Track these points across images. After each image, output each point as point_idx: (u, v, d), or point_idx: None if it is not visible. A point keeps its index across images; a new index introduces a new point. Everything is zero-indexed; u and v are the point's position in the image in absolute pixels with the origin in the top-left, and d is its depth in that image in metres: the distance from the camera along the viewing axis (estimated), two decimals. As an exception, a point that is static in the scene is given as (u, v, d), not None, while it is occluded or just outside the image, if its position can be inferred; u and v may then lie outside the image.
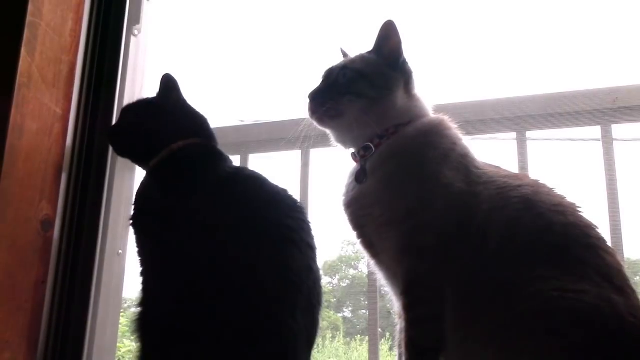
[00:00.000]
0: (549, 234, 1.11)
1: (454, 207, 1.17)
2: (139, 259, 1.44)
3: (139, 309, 1.36)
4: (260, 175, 1.48)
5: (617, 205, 1.65)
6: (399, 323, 1.30)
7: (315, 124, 1.35)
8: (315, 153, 2.03)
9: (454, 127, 1.32)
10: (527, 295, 1.05)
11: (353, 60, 1.37)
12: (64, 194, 1.80)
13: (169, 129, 1.56)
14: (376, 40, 1.36)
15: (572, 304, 1.01)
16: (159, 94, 1.64)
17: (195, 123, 1.62)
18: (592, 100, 1.74)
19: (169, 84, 1.62)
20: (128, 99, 1.95)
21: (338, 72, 1.33)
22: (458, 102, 1.81)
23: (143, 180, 1.57)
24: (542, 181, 1.26)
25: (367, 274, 1.81)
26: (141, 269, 1.43)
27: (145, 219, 1.47)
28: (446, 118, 1.34)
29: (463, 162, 1.24)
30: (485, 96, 1.88)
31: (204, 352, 1.22)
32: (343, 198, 1.32)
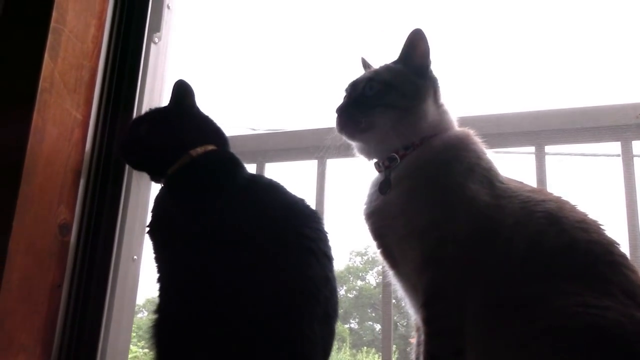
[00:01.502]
0: (572, 250, 1.11)
1: (478, 220, 1.16)
2: (156, 265, 1.44)
3: (155, 316, 1.36)
4: (278, 184, 1.48)
5: (637, 221, 1.63)
6: (416, 336, 1.29)
7: (344, 138, 1.33)
8: (332, 163, 2.04)
9: (479, 142, 1.32)
10: (549, 311, 1.04)
11: (378, 72, 1.36)
12: (82, 198, 1.81)
13: (186, 136, 1.55)
14: (403, 49, 1.36)
15: (596, 320, 1.00)
16: (172, 100, 1.62)
17: (210, 130, 1.61)
18: (613, 116, 1.73)
19: (182, 91, 1.60)
20: (147, 106, 1.97)
21: (365, 85, 1.31)
22: (478, 115, 1.81)
23: (161, 189, 1.55)
24: (564, 198, 1.25)
25: (374, 285, 1.82)
26: (158, 275, 1.43)
27: (162, 227, 1.47)
28: (472, 132, 1.33)
29: (487, 176, 1.24)
30: (505, 109, 1.88)
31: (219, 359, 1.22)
32: (364, 207, 1.32)
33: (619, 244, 1.16)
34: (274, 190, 1.44)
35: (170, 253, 1.42)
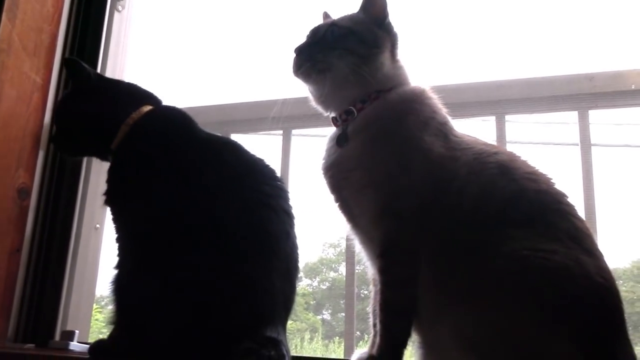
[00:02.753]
0: (522, 199, 1.14)
1: (432, 171, 1.18)
2: (114, 225, 1.42)
3: (114, 272, 1.35)
4: (236, 142, 1.47)
5: (592, 193, 1.68)
6: (373, 289, 1.31)
7: (300, 79, 1.33)
8: (297, 140, 2.05)
9: (434, 97, 1.34)
10: (499, 255, 1.07)
11: (341, 18, 1.37)
12: (42, 163, 1.79)
13: (113, 107, 1.48)
14: (362, 1, 1.37)
15: (543, 263, 1.03)
16: (73, 81, 1.55)
17: (134, 92, 1.55)
18: (570, 86, 1.77)
19: (79, 66, 1.52)
20: (110, 74, 1.95)
21: (326, 29, 1.32)
22: (438, 85, 1.84)
23: (111, 164, 1.48)
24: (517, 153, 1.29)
25: (346, 276, 1.83)
26: (116, 235, 1.42)
27: (118, 196, 1.43)
28: (427, 88, 1.36)
29: (442, 130, 1.26)
30: (465, 79, 1.91)
31: (178, 311, 1.22)
32: (323, 162, 1.33)
33: (567, 195, 1.19)
34: (232, 148, 1.43)
35: (127, 216, 1.40)
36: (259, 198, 1.34)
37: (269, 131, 2.12)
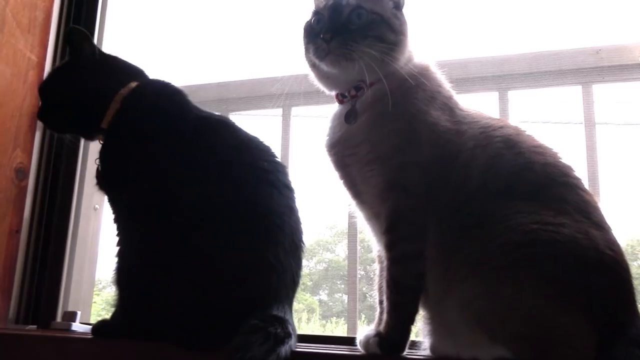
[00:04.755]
0: (529, 172, 1.13)
1: (439, 145, 1.17)
2: (111, 209, 1.40)
3: (116, 257, 1.33)
4: (229, 120, 1.46)
5: (596, 167, 1.66)
6: (378, 267, 1.30)
7: (323, 64, 1.24)
8: (297, 117, 2.02)
9: (438, 72, 1.33)
10: (507, 229, 1.05)
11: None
12: (39, 143, 1.76)
13: (104, 82, 1.43)
14: None
15: (551, 236, 1.02)
16: (72, 51, 1.49)
17: (124, 67, 1.50)
18: (576, 59, 1.75)
19: (79, 38, 1.47)
20: (107, 50, 1.91)
21: (351, 10, 1.24)
22: (441, 60, 1.81)
23: (102, 145, 1.44)
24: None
25: (343, 257, 1.81)
26: (114, 217, 1.39)
27: (112, 177, 1.41)
28: (432, 63, 1.33)
29: (448, 104, 1.25)
30: (468, 54, 1.88)
31: (182, 290, 1.21)
32: (327, 139, 1.30)
33: (574, 169, 1.18)
34: (226, 126, 1.41)
35: (122, 197, 1.38)
36: (258, 174, 1.32)
37: (268, 109, 2.09)
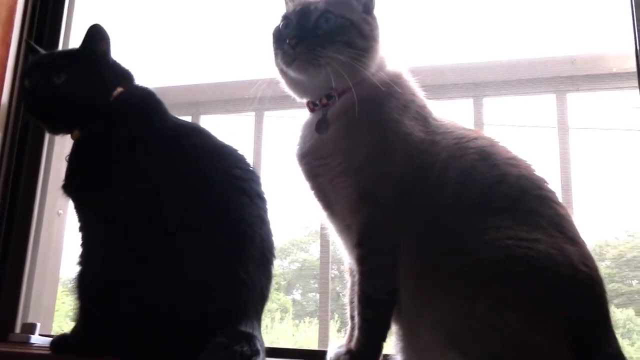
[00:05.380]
0: (503, 184, 1.11)
1: (413, 156, 1.15)
2: (77, 214, 1.34)
3: (79, 267, 1.27)
4: (203, 128, 1.43)
5: (569, 176, 1.65)
6: (350, 280, 1.26)
7: (290, 70, 1.20)
8: (269, 119, 1.98)
9: (412, 79, 1.30)
10: (481, 244, 1.03)
11: (332, 3, 1.22)
12: (1, 139, 1.68)
13: (106, 83, 1.40)
14: None
15: (526, 252, 1.00)
16: (86, 45, 1.43)
17: (121, 72, 1.47)
18: (551, 68, 1.74)
19: (98, 35, 1.43)
20: (72, 46, 1.84)
21: (319, 16, 1.20)
22: (414, 66, 1.79)
23: (76, 143, 1.40)
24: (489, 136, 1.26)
25: (317, 257, 1.78)
26: (79, 224, 1.34)
27: (81, 181, 1.35)
28: (405, 70, 1.31)
29: (422, 113, 1.22)
30: (443, 61, 1.87)
31: (146, 305, 1.16)
32: (297, 148, 1.26)
33: (547, 181, 1.16)
34: (200, 134, 1.38)
35: (91, 204, 1.32)
36: (230, 182, 1.29)
37: (240, 113, 2.05)
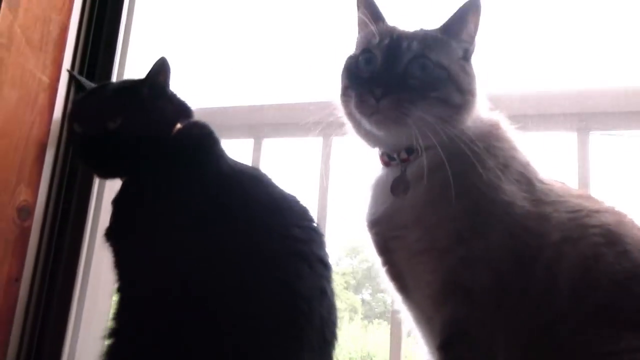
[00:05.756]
0: (638, 284, 0.84)
1: (515, 235, 0.90)
2: (116, 272, 1.17)
3: (110, 340, 1.09)
4: (264, 174, 1.23)
5: None
6: None
7: (367, 123, 0.97)
8: (339, 142, 1.78)
9: (511, 129, 1.04)
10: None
11: (429, 45, 0.98)
12: (49, 176, 1.58)
13: (164, 122, 1.25)
14: (451, 20, 1.02)
15: None
16: (149, 79, 1.26)
17: (177, 107, 1.30)
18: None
19: (164, 70, 1.26)
20: (129, 73, 1.71)
21: (412, 59, 0.96)
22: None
23: (123, 187, 1.25)
24: (619, 207, 0.98)
25: None
26: (117, 284, 1.16)
27: (125, 232, 1.19)
28: (502, 116, 1.05)
29: (525, 174, 0.97)
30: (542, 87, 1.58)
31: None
32: (367, 213, 1.04)
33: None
34: (257, 183, 1.18)
35: (133, 261, 1.15)
36: (288, 245, 1.09)
37: (306, 137, 1.85)
